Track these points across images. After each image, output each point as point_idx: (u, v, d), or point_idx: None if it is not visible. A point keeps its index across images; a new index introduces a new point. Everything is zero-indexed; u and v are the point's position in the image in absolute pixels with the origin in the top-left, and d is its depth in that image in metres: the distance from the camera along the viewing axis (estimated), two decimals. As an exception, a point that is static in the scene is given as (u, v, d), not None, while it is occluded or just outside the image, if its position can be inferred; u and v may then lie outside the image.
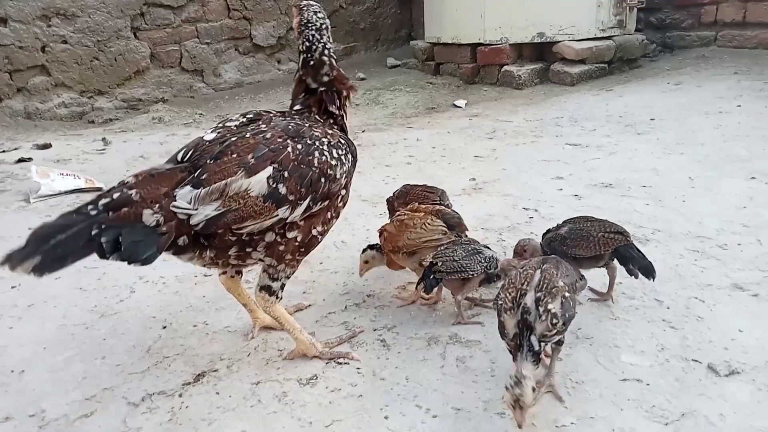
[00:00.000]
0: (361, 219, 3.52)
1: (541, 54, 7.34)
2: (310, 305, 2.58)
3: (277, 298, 2.10)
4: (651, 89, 6.36)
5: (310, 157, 1.92)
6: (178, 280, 2.90)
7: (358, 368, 2.11)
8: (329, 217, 2.08)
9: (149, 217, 1.67)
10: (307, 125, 2.01)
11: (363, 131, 5.75)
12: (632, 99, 6.00)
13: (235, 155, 1.82)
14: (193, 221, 1.74)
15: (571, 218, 2.46)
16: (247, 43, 8.13)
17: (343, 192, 2.11)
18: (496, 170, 4.24)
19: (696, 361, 2.01)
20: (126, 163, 4.89)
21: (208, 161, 1.82)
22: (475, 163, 4.47)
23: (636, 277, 2.24)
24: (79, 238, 1.56)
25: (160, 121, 6.58)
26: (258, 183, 1.79)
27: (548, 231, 2.46)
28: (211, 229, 1.79)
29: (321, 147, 1.96)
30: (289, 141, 1.90)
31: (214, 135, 1.94)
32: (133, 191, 1.70)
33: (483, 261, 2.28)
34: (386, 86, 7.67)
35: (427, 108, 6.75)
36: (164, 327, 2.49)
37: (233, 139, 1.89)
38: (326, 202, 2.01)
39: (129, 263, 1.63)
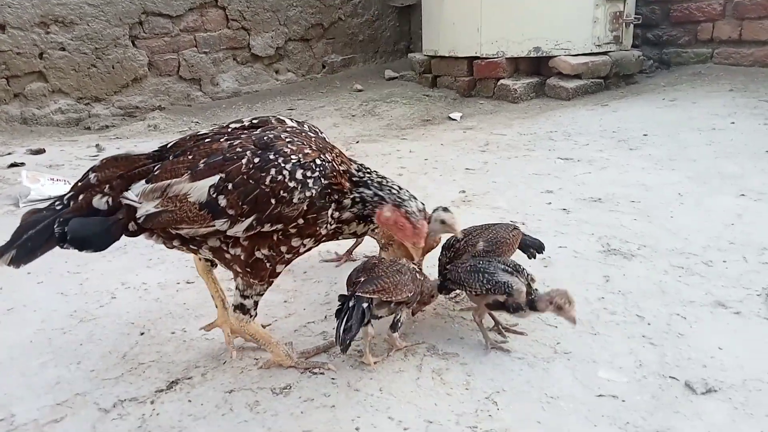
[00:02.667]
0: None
1: (538, 68, 7.36)
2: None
3: (250, 316, 2.07)
4: (646, 105, 6.38)
5: (263, 174, 1.76)
6: (160, 287, 2.88)
7: (333, 378, 2.09)
8: (277, 242, 1.88)
9: (99, 201, 1.78)
10: (288, 140, 1.85)
11: (357, 142, 5.76)
12: (627, 114, 6.01)
13: (191, 156, 1.82)
14: (137, 214, 1.79)
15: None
16: (246, 53, 8.17)
17: (302, 221, 1.85)
18: (487, 183, 4.23)
19: (673, 378, 1.99)
20: (118, 169, 4.89)
21: (170, 157, 1.86)
22: (466, 175, 4.46)
23: (533, 258, 2.60)
24: (45, 232, 1.72)
25: (155, 129, 6.59)
26: (198, 190, 1.75)
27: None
28: (149, 225, 1.82)
29: (282, 165, 1.77)
30: (248, 153, 1.78)
31: (205, 132, 1.98)
32: (93, 174, 1.83)
33: (486, 282, 2.10)
34: (383, 98, 7.69)
35: (422, 120, 6.76)
36: (142, 333, 2.47)
37: (207, 140, 1.89)
38: (278, 225, 1.83)
39: (81, 250, 1.73)
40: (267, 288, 2.05)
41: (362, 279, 2.07)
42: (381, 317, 2.12)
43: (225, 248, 1.89)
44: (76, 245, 1.70)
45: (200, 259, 2.19)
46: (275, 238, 1.87)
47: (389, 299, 2.03)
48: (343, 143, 5.67)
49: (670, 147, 4.79)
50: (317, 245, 2.06)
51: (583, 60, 7.01)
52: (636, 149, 4.83)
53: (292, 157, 1.80)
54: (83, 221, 1.73)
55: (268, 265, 1.93)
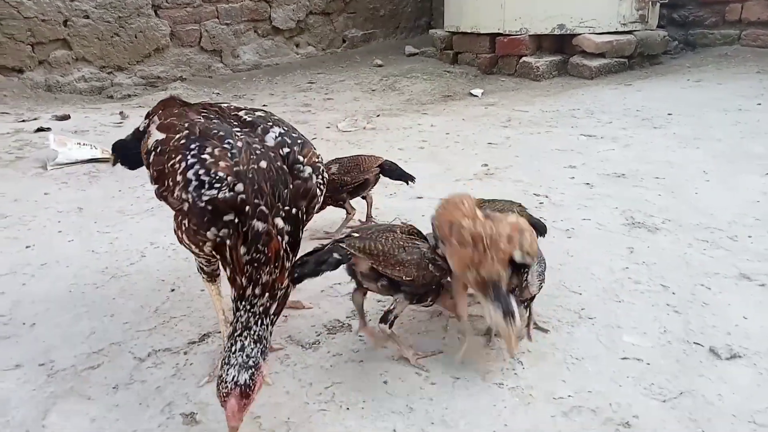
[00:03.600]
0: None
1: (561, 46, 7.28)
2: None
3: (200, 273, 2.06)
4: (670, 85, 6.30)
5: (174, 155, 1.78)
6: (188, 248, 2.93)
7: (361, 336, 2.14)
8: (178, 225, 1.80)
9: (142, 124, 2.18)
10: (225, 147, 1.73)
11: (378, 115, 5.76)
12: (651, 94, 5.95)
13: (176, 111, 2.02)
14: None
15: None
16: (267, 26, 8.15)
17: (185, 220, 1.73)
18: (509, 157, 4.23)
19: (698, 344, 2.01)
20: (142, 136, 4.94)
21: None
22: (488, 149, 4.46)
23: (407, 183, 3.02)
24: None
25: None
26: (152, 138, 1.93)
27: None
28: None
29: (189, 158, 1.73)
30: (186, 131, 1.81)
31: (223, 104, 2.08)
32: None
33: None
34: (403, 73, 7.66)
35: (443, 96, 6.73)
36: (172, 290, 2.53)
37: (202, 107, 2.03)
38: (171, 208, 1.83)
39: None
40: (201, 260, 1.97)
41: (356, 234, 1.93)
42: (368, 289, 1.98)
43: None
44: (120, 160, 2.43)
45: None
46: (179, 219, 1.80)
47: (376, 267, 1.84)
48: (364, 116, 5.67)
49: (695, 126, 4.74)
50: (209, 260, 1.92)
51: (608, 39, 6.91)
52: (660, 128, 4.79)
53: (203, 156, 1.72)
54: (124, 144, 2.35)
55: (181, 236, 1.84)
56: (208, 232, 1.68)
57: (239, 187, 1.66)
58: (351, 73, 7.95)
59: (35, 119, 5.43)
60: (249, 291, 1.65)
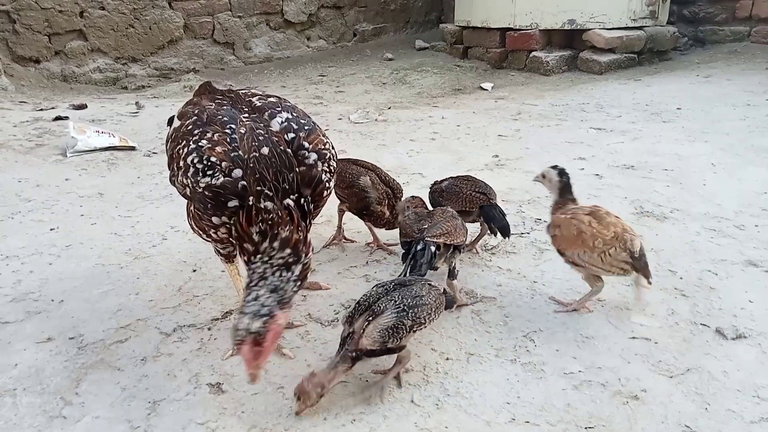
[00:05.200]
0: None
1: (571, 41, 7.32)
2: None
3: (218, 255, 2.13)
4: (679, 81, 6.33)
5: (180, 141, 1.84)
6: (208, 231, 3.02)
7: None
8: (187, 210, 1.97)
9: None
10: (226, 132, 1.78)
11: (389, 108, 5.82)
12: (660, 89, 5.99)
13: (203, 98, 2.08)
14: None
15: (454, 176, 2.69)
16: (278, 19, 8.22)
17: (191, 205, 1.86)
18: (519, 149, 4.29)
19: (704, 325, 2.08)
20: (158, 125, 5.02)
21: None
22: (498, 141, 4.52)
23: (495, 234, 2.52)
24: None
25: (191, 90, 6.70)
26: (174, 125, 1.99)
27: (434, 183, 2.69)
28: None
29: (191, 143, 1.78)
30: (195, 116, 1.87)
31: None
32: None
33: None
34: (413, 67, 7.72)
35: (453, 89, 6.79)
36: (194, 270, 2.62)
37: (222, 98, 2.06)
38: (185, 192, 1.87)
39: None
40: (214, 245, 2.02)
41: (426, 225, 2.18)
42: (438, 268, 2.18)
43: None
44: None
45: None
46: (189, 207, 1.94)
47: (452, 242, 2.14)
48: (376, 108, 5.74)
49: (704, 121, 4.79)
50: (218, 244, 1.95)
51: (618, 34, 6.95)
52: (669, 122, 4.84)
53: (201, 142, 1.77)
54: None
55: (191, 224, 1.97)
56: (213, 218, 1.74)
57: (236, 172, 1.68)
58: (362, 67, 8.01)
59: (53, 108, 5.53)
60: (265, 245, 1.65)
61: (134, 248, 2.84)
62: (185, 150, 1.79)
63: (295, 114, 1.91)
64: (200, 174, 1.71)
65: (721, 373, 1.82)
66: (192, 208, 1.87)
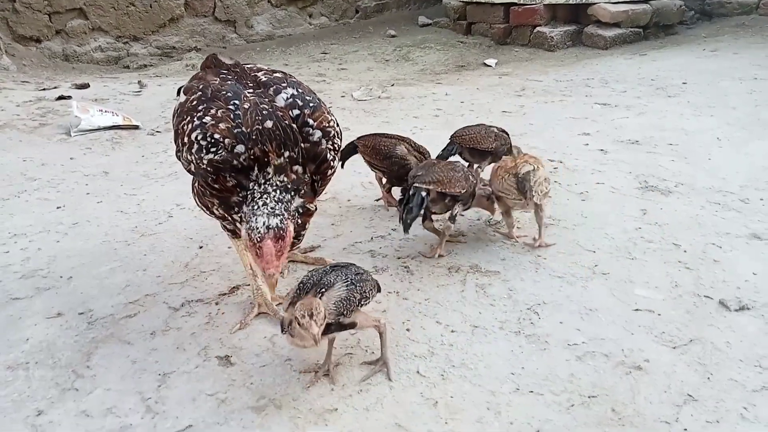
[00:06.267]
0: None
1: (576, 16, 7.23)
2: None
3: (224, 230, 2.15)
4: (685, 55, 6.27)
5: (185, 116, 1.85)
6: (213, 209, 3.03)
7: (383, 289, 2.22)
8: (191, 186, 1.99)
9: None
10: (230, 108, 1.78)
11: (392, 85, 5.79)
12: (665, 64, 5.93)
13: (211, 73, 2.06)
14: None
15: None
16: (280, -5, 8.14)
17: (194, 180, 1.90)
18: (524, 125, 4.27)
19: (708, 297, 2.09)
20: (161, 104, 5.01)
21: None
22: (502, 117, 4.50)
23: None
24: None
25: (193, 68, 6.66)
26: (180, 98, 2.01)
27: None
28: None
29: (195, 119, 1.79)
30: (199, 92, 1.88)
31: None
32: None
33: None
34: (417, 44, 7.65)
35: (457, 66, 6.74)
36: (200, 247, 2.64)
37: (228, 72, 2.05)
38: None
39: None
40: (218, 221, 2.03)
41: (420, 173, 2.33)
42: (435, 213, 2.39)
43: None
44: None
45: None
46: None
47: (443, 191, 2.29)
48: (379, 86, 5.70)
49: (710, 95, 4.75)
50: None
51: (623, 8, 6.86)
52: (674, 96, 4.80)
53: (205, 118, 1.77)
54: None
55: (195, 200, 2.02)
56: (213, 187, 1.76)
57: (239, 148, 1.69)
58: (364, 44, 7.94)
59: (55, 88, 5.52)
60: (261, 176, 1.69)
61: (140, 226, 2.86)
62: (189, 126, 1.80)
63: (300, 90, 1.91)
64: (204, 151, 1.73)
65: (724, 344, 1.84)
66: (196, 184, 1.88)
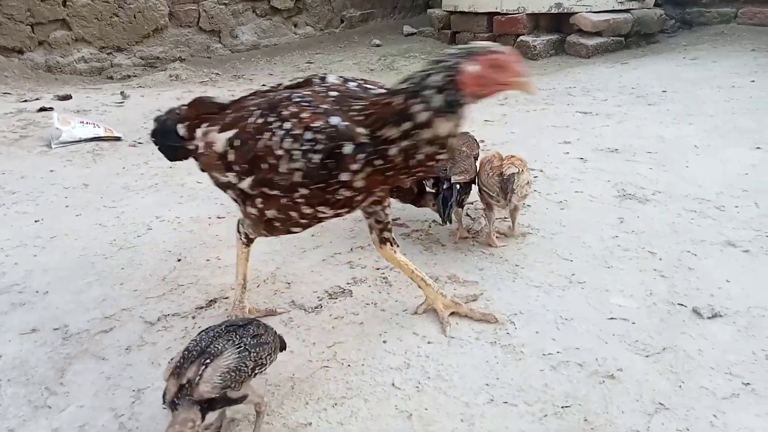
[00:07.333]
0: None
1: (558, 25, 7.30)
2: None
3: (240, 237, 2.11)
4: (666, 63, 6.34)
5: (259, 136, 1.71)
6: (193, 221, 3.03)
7: (361, 300, 2.24)
8: (285, 207, 1.77)
9: (181, 128, 2.05)
10: (295, 101, 1.71)
11: (376, 94, 5.80)
12: (646, 72, 6.00)
13: (230, 110, 1.92)
14: (198, 151, 1.98)
15: None
16: (265, 6, 8.15)
17: (305, 191, 1.68)
18: (505, 134, 4.30)
19: (682, 305, 2.11)
20: (143, 115, 5.00)
21: (232, 106, 1.96)
22: (485, 126, 4.53)
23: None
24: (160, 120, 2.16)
25: (177, 79, 6.67)
26: (220, 140, 1.84)
27: None
28: (199, 164, 2.02)
29: (274, 131, 1.68)
30: (257, 111, 1.77)
31: (264, 89, 2.02)
32: (184, 107, 2.08)
33: None
34: (401, 53, 7.69)
35: (440, 75, 6.77)
36: (179, 260, 2.63)
37: (251, 97, 1.93)
38: (277, 191, 1.73)
39: (159, 150, 2.19)
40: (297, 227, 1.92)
41: (449, 165, 2.43)
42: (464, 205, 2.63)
43: (242, 203, 1.91)
44: (156, 144, 2.18)
45: (380, 247, 2.13)
46: (282, 202, 1.75)
47: (471, 179, 2.53)
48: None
49: (689, 103, 4.81)
50: (343, 211, 1.82)
51: (605, 17, 6.94)
52: (654, 104, 4.86)
53: (285, 124, 1.67)
54: (165, 133, 2.10)
55: (279, 225, 1.87)
56: (342, 176, 1.63)
57: (333, 119, 1.62)
58: (349, 53, 7.97)
59: (37, 99, 5.49)
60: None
61: (119, 239, 2.85)
62: (275, 138, 1.67)
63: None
64: (309, 148, 1.63)
65: (696, 352, 1.86)
66: (302, 190, 1.69)
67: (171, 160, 2.22)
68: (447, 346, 1.96)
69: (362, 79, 1.84)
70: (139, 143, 4.35)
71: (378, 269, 2.47)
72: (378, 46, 8.22)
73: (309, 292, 2.32)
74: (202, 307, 2.25)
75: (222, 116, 1.91)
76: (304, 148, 1.62)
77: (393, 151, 1.59)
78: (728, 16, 7.64)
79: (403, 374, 1.83)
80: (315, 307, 2.21)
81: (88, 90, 6.17)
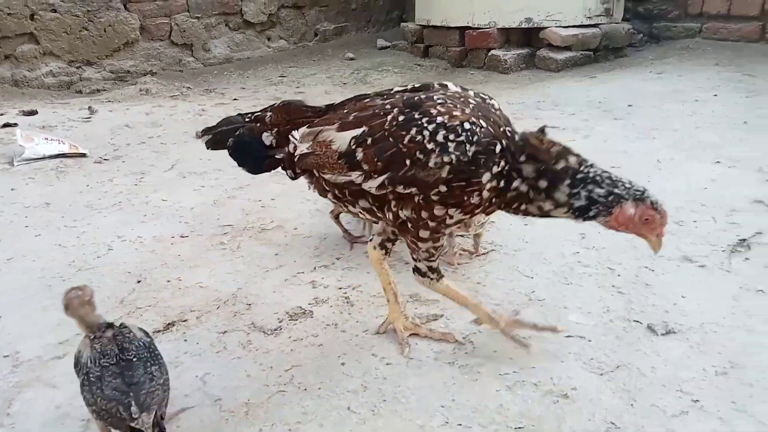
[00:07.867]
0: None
1: (529, 39, 7.41)
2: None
3: (429, 278, 2.00)
4: (633, 77, 6.47)
5: (403, 132, 1.70)
6: (156, 240, 2.99)
7: (321, 321, 2.23)
8: (418, 206, 1.78)
9: (266, 136, 1.98)
10: (439, 101, 1.74)
11: (348, 109, 5.82)
12: (614, 86, 6.11)
13: (346, 111, 1.89)
14: (295, 152, 1.93)
15: None
16: (238, 19, 8.14)
17: (444, 188, 1.71)
18: (474, 148, 4.33)
19: (637, 321, 2.14)
20: (111, 131, 4.95)
21: (332, 110, 1.97)
22: (454, 141, 4.56)
23: None
24: (231, 132, 2.01)
25: (147, 93, 6.61)
26: (341, 139, 1.80)
27: None
28: (301, 165, 1.93)
29: (424, 125, 1.69)
30: (395, 109, 1.75)
31: (367, 93, 2.01)
32: (269, 114, 2.00)
33: None
34: (374, 66, 7.73)
35: (413, 89, 6.81)
36: (138, 281, 2.59)
37: (366, 100, 1.92)
38: (413, 189, 1.74)
39: (239, 166, 2.05)
40: (432, 253, 1.93)
41: None
42: None
43: (376, 209, 1.90)
44: (236, 161, 2.03)
45: (374, 248, 2.10)
46: (417, 201, 1.77)
47: None
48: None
49: (654, 117, 4.90)
50: (469, 216, 1.85)
51: (574, 32, 7.06)
52: (620, 119, 4.94)
53: (438, 118, 1.68)
54: (246, 145, 1.99)
55: (410, 226, 1.84)
56: (483, 176, 1.71)
57: (482, 122, 1.70)
58: (323, 67, 7.99)
59: (1, 114, 5.40)
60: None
61: (78, 260, 2.80)
62: (424, 133, 1.69)
63: None
64: (465, 139, 1.68)
65: (649, 369, 1.88)
66: (443, 187, 1.73)
67: (254, 173, 2.11)
68: (405, 367, 1.96)
69: (480, 92, 1.93)
70: (105, 159, 4.29)
71: (340, 288, 2.47)
72: (352, 59, 8.25)
73: (270, 313, 2.30)
74: (159, 331, 2.22)
75: (330, 118, 1.89)
76: (459, 139, 1.67)
77: (516, 183, 1.77)
78: (693, 30, 7.83)
79: (359, 397, 1.82)
80: (275, 329, 2.19)
81: (55, 105, 6.09)
